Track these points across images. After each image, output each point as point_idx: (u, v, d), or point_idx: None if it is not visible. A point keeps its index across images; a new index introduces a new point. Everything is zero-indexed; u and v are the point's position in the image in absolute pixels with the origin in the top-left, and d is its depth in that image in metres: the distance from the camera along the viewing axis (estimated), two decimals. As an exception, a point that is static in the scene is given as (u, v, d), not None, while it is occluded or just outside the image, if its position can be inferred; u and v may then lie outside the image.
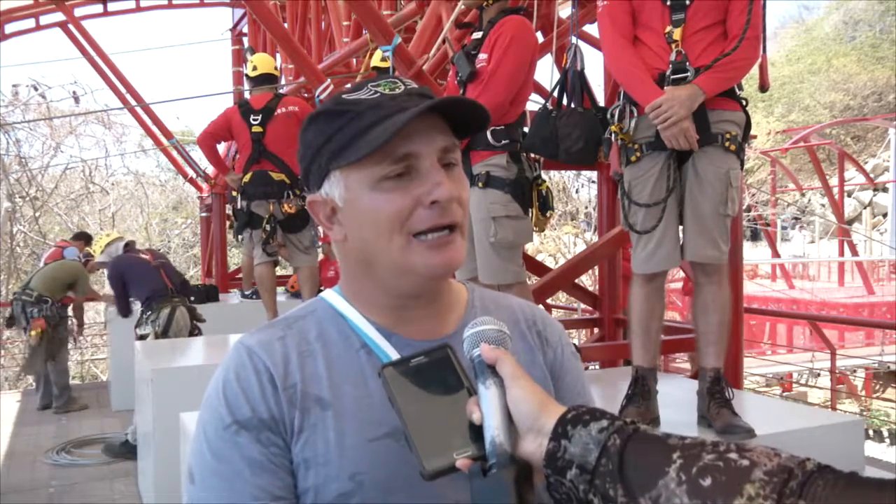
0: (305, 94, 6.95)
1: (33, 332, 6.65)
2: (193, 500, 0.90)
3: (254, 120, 5.18)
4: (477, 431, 0.81)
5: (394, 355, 0.94)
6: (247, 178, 5.19)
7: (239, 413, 0.89)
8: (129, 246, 6.73)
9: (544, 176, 3.36)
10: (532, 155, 3.24)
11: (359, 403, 0.91)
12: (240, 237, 5.48)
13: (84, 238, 8.67)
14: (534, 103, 4.41)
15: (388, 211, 0.89)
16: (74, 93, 14.27)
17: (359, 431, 0.90)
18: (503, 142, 3.11)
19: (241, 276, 8.31)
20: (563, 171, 15.46)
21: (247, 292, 7.45)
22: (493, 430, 0.79)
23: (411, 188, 0.89)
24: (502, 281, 3.11)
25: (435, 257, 0.90)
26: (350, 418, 0.90)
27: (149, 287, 5.60)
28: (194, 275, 17.67)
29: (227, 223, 7.79)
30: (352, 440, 0.89)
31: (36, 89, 15.01)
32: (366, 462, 0.88)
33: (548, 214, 3.22)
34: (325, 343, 0.95)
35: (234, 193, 7.20)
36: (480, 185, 3.09)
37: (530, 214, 3.20)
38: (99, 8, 9.92)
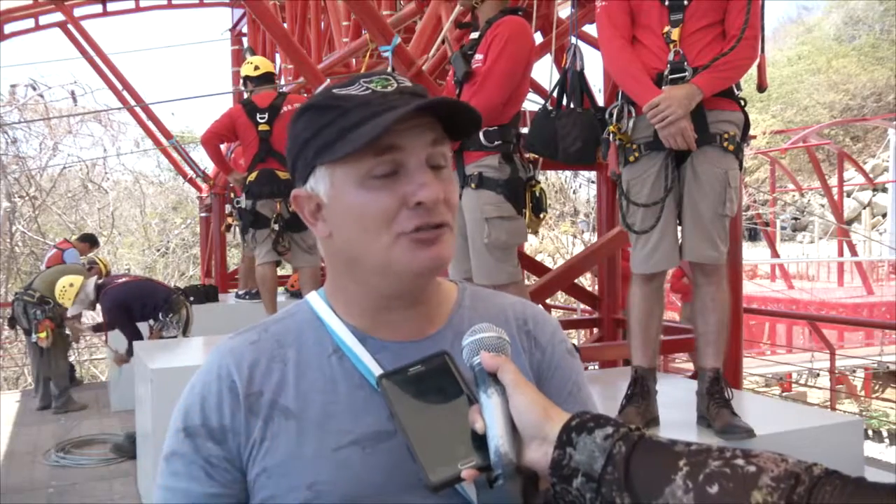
0: (305, 94, 6.95)
1: (42, 335, 6.64)
2: (153, 499, 0.93)
3: (260, 118, 5.17)
4: (480, 441, 0.79)
5: (366, 359, 0.92)
6: (252, 176, 5.17)
7: (189, 420, 0.91)
8: (96, 274, 6.90)
9: (541, 176, 3.35)
10: (527, 155, 3.24)
11: (325, 410, 0.90)
12: (246, 236, 5.48)
13: (90, 240, 8.66)
14: (533, 103, 4.42)
15: (373, 209, 0.87)
16: (73, 92, 14.25)
17: (322, 440, 0.88)
18: (496, 143, 3.10)
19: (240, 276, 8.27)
20: (561, 171, 15.46)
21: (240, 293, 7.44)
22: (498, 440, 0.78)
23: (397, 187, 0.87)
24: (497, 281, 3.11)
25: (422, 253, 0.89)
26: (314, 427, 0.89)
27: (159, 296, 5.86)
28: (194, 275, 17.68)
29: (225, 224, 7.74)
30: (313, 449, 0.88)
31: (34, 89, 15.02)
32: (327, 471, 0.87)
33: (541, 216, 3.21)
34: (298, 348, 0.94)
35: (233, 195, 7.24)
36: (473, 186, 3.08)
37: (524, 215, 3.18)
38: (98, 8, 9.93)
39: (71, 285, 6.17)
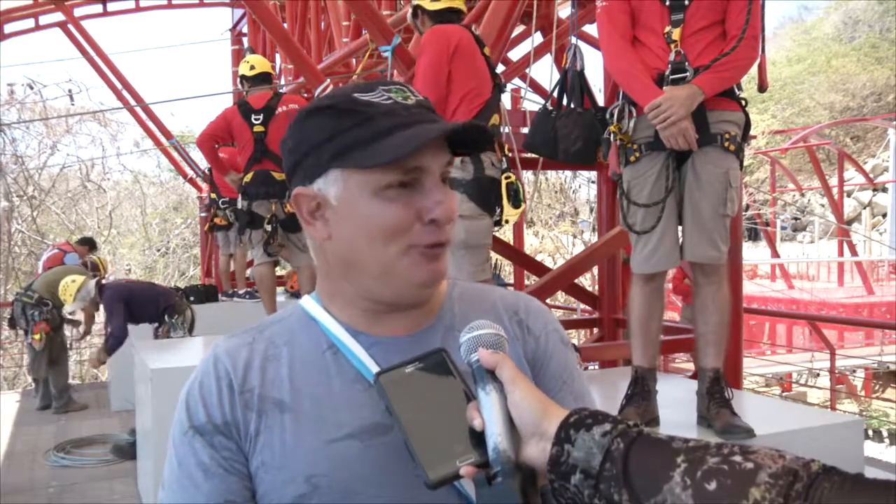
0: (305, 94, 6.95)
1: (36, 336, 6.64)
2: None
3: (255, 119, 5.17)
4: (478, 437, 0.80)
5: (360, 354, 0.93)
6: (248, 177, 5.18)
7: (196, 418, 0.91)
8: (98, 278, 6.92)
9: (542, 176, 3.41)
10: (505, 153, 3.31)
11: (320, 404, 0.91)
12: (215, 235, 5.53)
13: (88, 244, 8.69)
14: (534, 103, 4.42)
15: (387, 220, 0.88)
16: (70, 90, 14.24)
17: (317, 433, 0.89)
18: None
19: (245, 277, 8.27)
20: (561, 171, 15.46)
21: (229, 292, 7.46)
22: (496, 437, 0.78)
23: (413, 201, 0.88)
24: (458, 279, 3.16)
25: (426, 267, 0.90)
26: (309, 420, 0.90)
27: (162, 300, 5.99)
28: (194, 275, 17.69)
29: (209, 223, 7.76)
30: (309, 442, 0.89)
31: (31, 88, 15.01)
32: (323, 464, 0.88)
33: (520, 207, 3.29)
34: (293, 346, 0.95)
35: (213, 195, 7.29)
36: None
37: (495, 213, 3.27)
38: (98, 8, 9.94)
39: (73, 281, 6.27)
